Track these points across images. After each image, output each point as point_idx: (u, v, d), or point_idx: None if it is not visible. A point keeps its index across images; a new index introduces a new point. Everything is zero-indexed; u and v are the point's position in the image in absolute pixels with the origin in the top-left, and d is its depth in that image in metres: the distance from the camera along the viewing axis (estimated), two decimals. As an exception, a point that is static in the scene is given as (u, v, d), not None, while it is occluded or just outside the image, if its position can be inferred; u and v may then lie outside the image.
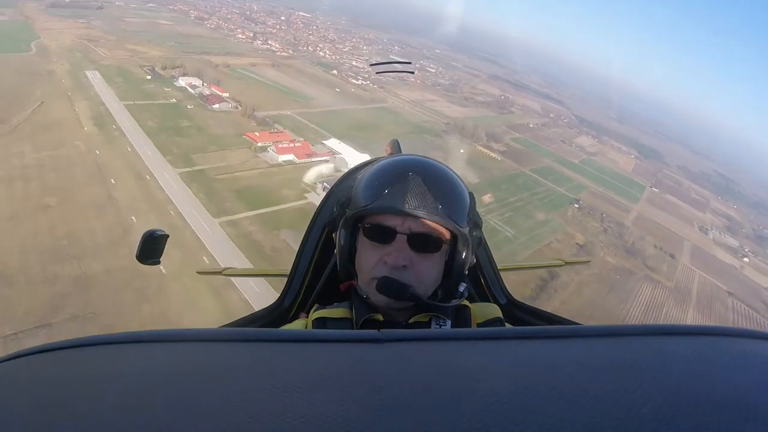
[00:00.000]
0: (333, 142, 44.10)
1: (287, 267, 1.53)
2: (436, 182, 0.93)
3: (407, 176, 0.92)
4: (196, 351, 0.40)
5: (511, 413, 0.27)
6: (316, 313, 1.00)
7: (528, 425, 0.26)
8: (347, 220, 0.99)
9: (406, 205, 0.90)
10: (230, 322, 1.22)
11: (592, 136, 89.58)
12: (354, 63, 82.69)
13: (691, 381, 0.30)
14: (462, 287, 0.99)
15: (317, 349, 0.40)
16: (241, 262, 23.82)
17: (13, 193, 25.94)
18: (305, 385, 0.32)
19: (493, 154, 57.38)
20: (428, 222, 0.91)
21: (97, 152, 32.92)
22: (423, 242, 0.92)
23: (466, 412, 0.27)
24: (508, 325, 1.06)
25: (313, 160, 40.27)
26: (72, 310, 19.14)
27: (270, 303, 1.40)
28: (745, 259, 60.36)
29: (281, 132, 44.97)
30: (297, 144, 42.12)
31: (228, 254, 24.86)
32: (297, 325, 1.06)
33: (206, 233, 26.41)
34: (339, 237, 1.02)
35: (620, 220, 51.60)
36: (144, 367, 0.36)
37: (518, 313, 1.43)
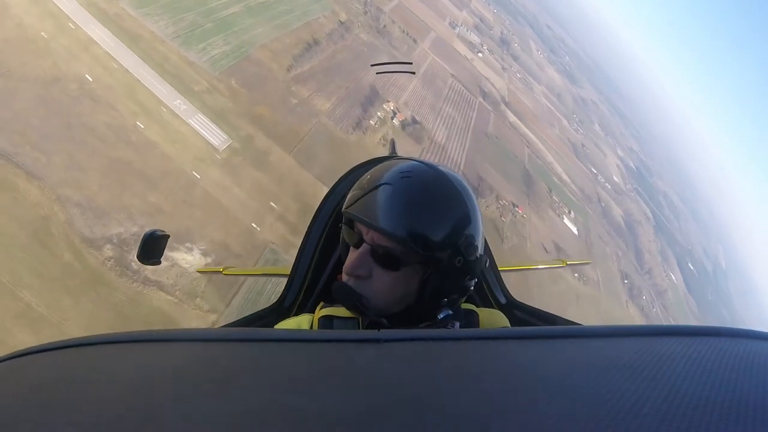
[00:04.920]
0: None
1: (287, 266, 1.52)
2: (410, 198, 0.84)
3: (382, 186, 0.86)
4: (196, 351, 0.40)
5: (511, 413, 0.27)
6: (322, 311, 0.95)
7: (528, 425, 0.26)
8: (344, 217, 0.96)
9: (368, 215, 0.85)
10: (230, 322, 1.23)
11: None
12: None
13: (691, 382, 0.30)
14: (442, 314, 0.90)
15: (317, 350, 0.39)
16: (94, 23, 28.54)
17: None
18: (305, 386, 0.32)
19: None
20: (389, 237, 0.84)
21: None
22: (382, 257, 0.87)
23: (466, 413, 0.27)
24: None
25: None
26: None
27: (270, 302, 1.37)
28: (479, 54, 67.49)
29: None
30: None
31: (83, 18, 28.67)
32: (303, 320, 0.99)
33: (65, 3, 29.33)
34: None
35: (381, 6, 56.85)
36: (144, 367, 0.36)
37: (518, 313, 1.38)
